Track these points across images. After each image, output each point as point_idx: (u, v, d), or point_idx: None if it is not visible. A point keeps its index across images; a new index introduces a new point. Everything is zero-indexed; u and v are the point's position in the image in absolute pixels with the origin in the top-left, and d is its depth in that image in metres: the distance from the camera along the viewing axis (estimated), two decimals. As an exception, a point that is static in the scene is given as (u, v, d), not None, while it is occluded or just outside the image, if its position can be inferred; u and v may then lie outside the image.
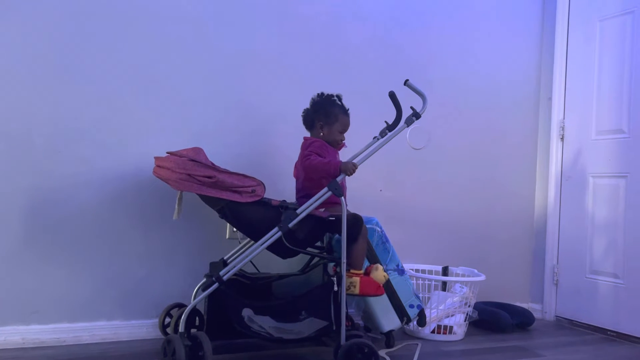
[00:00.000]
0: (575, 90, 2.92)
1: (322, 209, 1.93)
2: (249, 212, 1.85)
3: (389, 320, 2.16)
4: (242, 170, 1.90)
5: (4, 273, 2.02)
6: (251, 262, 1.91)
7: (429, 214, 2.81)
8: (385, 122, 2.04)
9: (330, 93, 2.10)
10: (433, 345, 2.31)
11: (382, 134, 2.03)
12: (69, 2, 2.11)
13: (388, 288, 2.11)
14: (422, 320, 2.25)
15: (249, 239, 2.03)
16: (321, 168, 1.90)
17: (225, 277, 1.81)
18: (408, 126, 1.99)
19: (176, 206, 1.90)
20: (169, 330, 2.13)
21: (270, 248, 1.85)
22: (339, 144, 2.09)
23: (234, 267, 1.83)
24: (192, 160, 1.78)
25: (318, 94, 2.11)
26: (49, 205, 2.08)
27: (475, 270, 2.61)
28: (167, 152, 1.88)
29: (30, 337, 2.04)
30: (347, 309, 1.86)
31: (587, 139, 2.84)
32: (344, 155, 2.14)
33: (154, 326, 2.19)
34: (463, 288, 2.49)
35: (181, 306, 2.16)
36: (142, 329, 2.21)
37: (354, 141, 2.16)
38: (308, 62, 2.52)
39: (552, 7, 3.03)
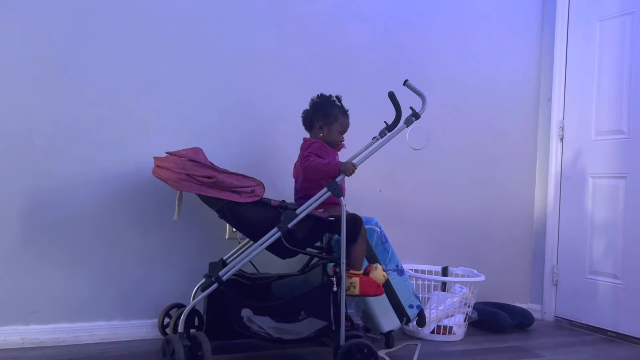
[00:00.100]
0: (575, 90, 2.91)
1: (322, 210, 1.93)
2: (248, 212, 1.85)
3: (388, 321, 2.16)
4: (242, 170, 1.90)
5: (4, 273, 2.02)
6: (250, 262, 1.91)
7: (429, 214, 2.81)
8: (385, 122, 2.04)
9: (329, 94, 2.10)
10: (432, 346, 2.31)
11: (382, 134, 2.03)
12: (69, 2, 2.11)
13: (387, 288, 2.11)
14: (421, 320, 2.25)
15: (248, 239, 2.03)
16: (320, 169, 1.90)
17: (224, 278, 1.81)
18: (407, 126, 1.99)
19: (176, 206, 1.90)
20: (168, 330, 2.13)
21: (269, 248, 1.85)
22: (338, 145, 2.09)
23: (234, 267, 1.83)
24: (192, 161, 1.78)
25: (317, 95, 2.12)
26: (48, 205, 2.08)
27: (475, 271, 2.61)
28: (167, 152, 1.88)
29: (30, 337, 2.04)
30: (346, 309, 1.86)
31: (586, 140, 2.83)
32: (343, 155, 2.14)
33: (153, 326, 2.19)
34: (463, 288, 2.48)
35: (180, 306, 2.16)
36: (142, 329, 2.21)
37: (354, 141, 2.16)
38: (308, 62, 2.52)
39: (551, 8, 3.03)
